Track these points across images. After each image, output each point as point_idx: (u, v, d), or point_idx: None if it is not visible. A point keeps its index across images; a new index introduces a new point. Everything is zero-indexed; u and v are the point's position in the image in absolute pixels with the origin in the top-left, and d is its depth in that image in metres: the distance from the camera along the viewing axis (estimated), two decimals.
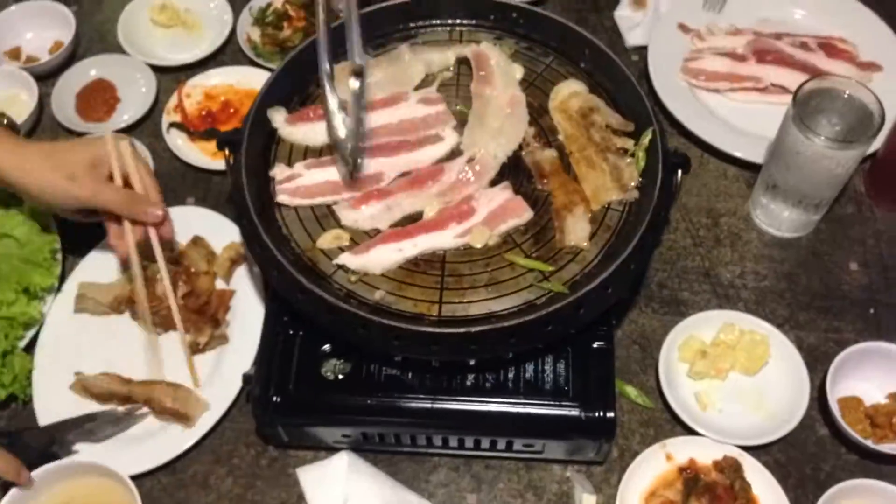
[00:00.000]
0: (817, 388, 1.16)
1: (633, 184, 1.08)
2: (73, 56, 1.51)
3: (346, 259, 1.02)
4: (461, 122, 1.15)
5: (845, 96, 1.17)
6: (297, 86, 1.18)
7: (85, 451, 1.11)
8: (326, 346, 1.06)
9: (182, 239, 1.27)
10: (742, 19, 1.51)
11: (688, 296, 1.26)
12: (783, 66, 1.41)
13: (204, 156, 1.38)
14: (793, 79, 1.39)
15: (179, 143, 1.38)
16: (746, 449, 1.09)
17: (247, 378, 1.07)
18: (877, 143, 1.25)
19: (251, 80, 1.45)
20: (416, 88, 1.19)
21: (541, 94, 1.18)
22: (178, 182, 1.37)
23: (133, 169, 1.13)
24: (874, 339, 1.19)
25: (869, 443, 1.09)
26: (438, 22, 1.25)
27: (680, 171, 1.07)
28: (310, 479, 1.08)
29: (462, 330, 0.94)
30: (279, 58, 1.48)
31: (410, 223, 1.06)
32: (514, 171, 1.11)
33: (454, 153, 1.12)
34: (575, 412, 1.02)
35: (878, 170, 1.33)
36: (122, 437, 1.13)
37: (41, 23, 1.53)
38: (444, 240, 1.04)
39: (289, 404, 1.03)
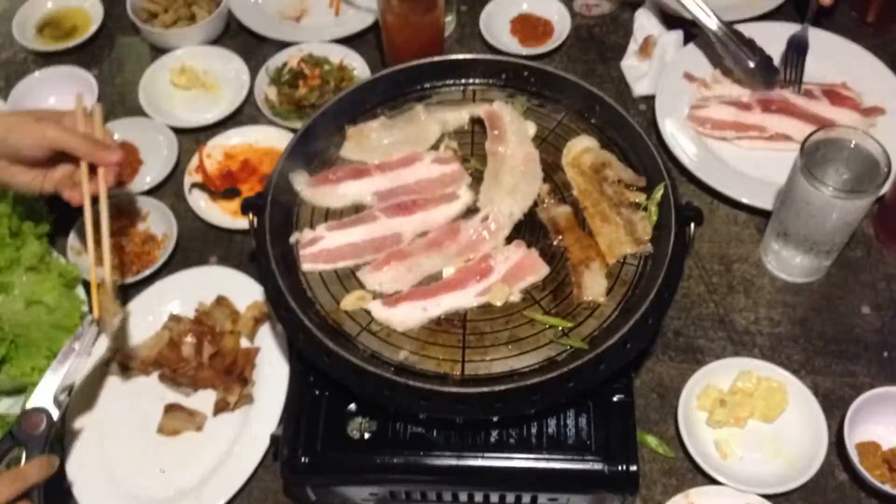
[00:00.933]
0: (835, 433, 1.17)
1: (646, 237, 1.10)
2: None
3: (375, 308, 1.05)
4: (476, 179, 1.18)
5: (851, 146, 1.20)
6: (316, 148, 1.21)
7: None
8: (352, 406, 1.08)
9: (206, 299, 1.30)
10: None
11: (703, 343, 1.28)
12: (787, 116, 1.44)
13: (225, 215, 1.41)
14: (796, 128, 1.42)
15: (202, 205, 1.41)
16: (768, 497, 1.11)
17: (275, 439, 1.09)
18: (885, 186, 1.27)
19: (269, 138, 1.49)
20: (433, 147, 1.22)
21: (554, 150, 1.21)
22: (201, 242, 1.41)
23: (98, 124, 1.22)
24: (889, 382, 1.21)
25: (887, 487, 1.10)
26: (452, 81, 1.28)
27: (693, 224, 1.10)
28: None
29: (486, 389, 0.97)
30: (295, 116, 1.52)
31: (430, 282, 1.09)
32: (529, 228, 1.14)
33: (469, 210, 1.15)
34: (598, 466, 1.03)
35: (886, 213, 1.35)
36: (153, 499, 1.15)
37: (63, 88, 1.57)
38: (466, 299, 1.06)
39: (317, 465, 1.05)
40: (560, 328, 1.04)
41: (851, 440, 1.14)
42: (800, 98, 1.47)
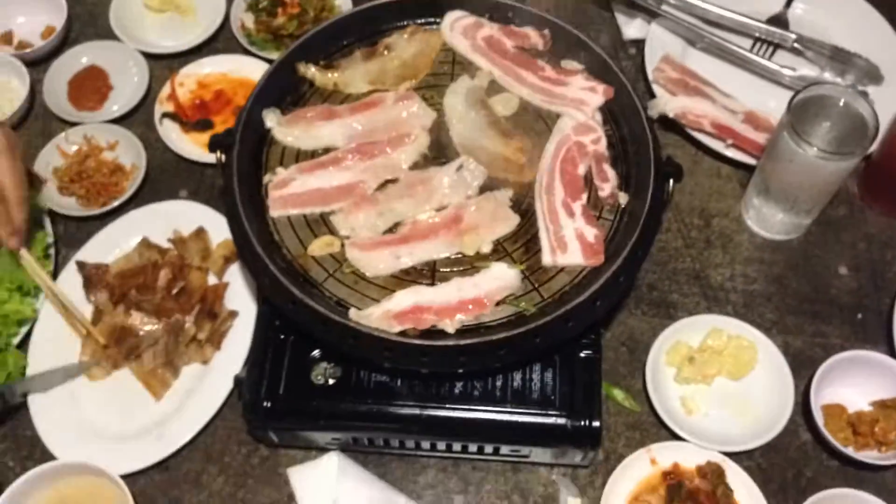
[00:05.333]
0: (801, 394, 1.17)
1: None
2: (64, 41, 1.50)
3: (349, 249, 1.03)
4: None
5: (840, 104, 1.17)
6: (290, 85, 1.16)
7: (78, 449, 1.12)
8: (317, 352, 1.07)
9: (183, 230, 1.28)
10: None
11: (677, 298, 1.27)
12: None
13: (197, 147, 1.37)
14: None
15: (173, 136, 1.37)
16: (729, 454, 1.11)
17: (238, 381, 1.08)
18: (872, 147, 1.24)
19: (244, 68, 1.44)
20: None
21: None
22: (171, 174, 1.37)
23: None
24: (860, 345, 1.21)
25: (850, 451, 1.11)
26: (433, 19, 1.23)
27: (672, 180, 1.07)
28: (300, 480, 1.10)
29: (451, 343, 0.95)
30: (273, 46, 1.46)
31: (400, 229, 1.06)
32: None
33: (434, 157, 1.11)
34: (561, 421, 1.03)
35: (872, 173, 1.33)
36: (117, 434, 1.14)
37: (33, 6, 1.51)
38: (438, 248, 1.04)
39: (279, 409, 1.04)
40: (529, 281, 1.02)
41: (818, 402, 1.14)
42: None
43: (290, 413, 1.05)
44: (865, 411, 1.15)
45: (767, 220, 1.30)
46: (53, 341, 1.20)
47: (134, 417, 1.16)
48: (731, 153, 1.35)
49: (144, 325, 1.21)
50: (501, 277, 1.00)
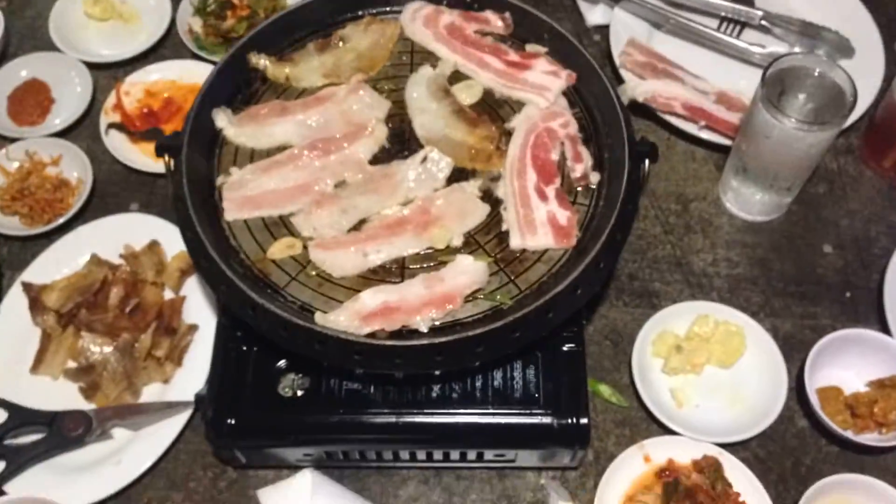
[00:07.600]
0: (795, 378, 1.12)
1: None
2: (3, 55, 1.42)
3: (312, 250, 0.96)
4: (396, 103, 1.09)
5: (815, 75, 1.13)
6: (241, 82, 1.10)
7: (31, 481, 1.04)
8: (282, 362, 1.00)
9: (135, 244, 1.21)
10: None
11: (660, 286, 1.21)
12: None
13: (146, 158, 1.30)
14: None
15: (121, 147, 1.30)
16: (725, 446, 1.06)
17: (199, 399, 1.01)
18: (851, 118, 1.20)
19: (194, 74, 1.38)
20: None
21: None
22: (121, 187, 1.30)
23: None
24: (851, 324, 1.16)
25: (849, 434, 1.06)
26: (389, 9, 1.17)
27: (647, 161, 1.02)
28: (272, 501, 1.03)
29: (425, 342, 0.89)
30: (223, 50, 1.40)
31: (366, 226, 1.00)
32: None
33: (396, 150, 1.06)
34: (547, 420, 0.97)
35: (875, 132, 1.30)
36: (72, 464, 1.06)
37: None
38: (407, 243, 0.98)
39: (245, 426, 0.97)
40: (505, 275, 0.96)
41: (812, 385, 1.09)
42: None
43: (256, 430, 0.98)
44: (862, 392, 1.10)
45: (747, 201, 1.25)
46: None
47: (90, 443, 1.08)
48: (705, 135, 1.31)
49: (96, 346, 1.12)
50: (467, 271, 0.94)
